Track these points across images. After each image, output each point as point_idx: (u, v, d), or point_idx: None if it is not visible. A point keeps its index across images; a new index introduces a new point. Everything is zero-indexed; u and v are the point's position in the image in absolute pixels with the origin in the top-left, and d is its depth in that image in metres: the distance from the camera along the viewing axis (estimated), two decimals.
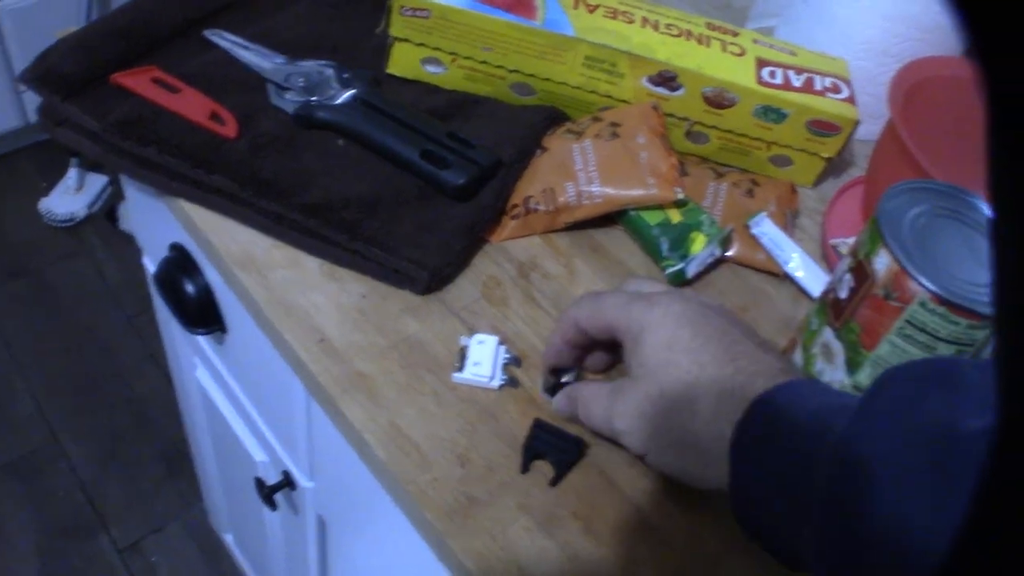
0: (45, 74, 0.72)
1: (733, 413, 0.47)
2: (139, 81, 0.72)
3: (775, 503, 0.45)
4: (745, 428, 0.47)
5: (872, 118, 0.83)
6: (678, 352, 0.50)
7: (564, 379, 0.59)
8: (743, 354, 0.50)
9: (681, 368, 0.50)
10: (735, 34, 0.78)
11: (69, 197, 2.21)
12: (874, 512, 0.38)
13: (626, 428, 0.53)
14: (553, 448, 0.56)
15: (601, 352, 0.60)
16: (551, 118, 0.75)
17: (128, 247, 2.16)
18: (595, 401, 0.55)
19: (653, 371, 0.51)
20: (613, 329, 0.54)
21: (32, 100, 2.15)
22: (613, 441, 0.56)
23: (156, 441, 1.83)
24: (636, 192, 0.69)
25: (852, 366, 0.57)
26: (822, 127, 0.74)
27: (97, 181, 2.25)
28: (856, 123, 0.74)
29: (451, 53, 0.74)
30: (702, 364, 0.50)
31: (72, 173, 2.20)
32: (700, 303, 0.53)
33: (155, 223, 0.90)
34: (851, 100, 0.75)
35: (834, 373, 0.58)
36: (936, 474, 0.36)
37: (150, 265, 1.01)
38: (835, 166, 0.81)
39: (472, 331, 0.63)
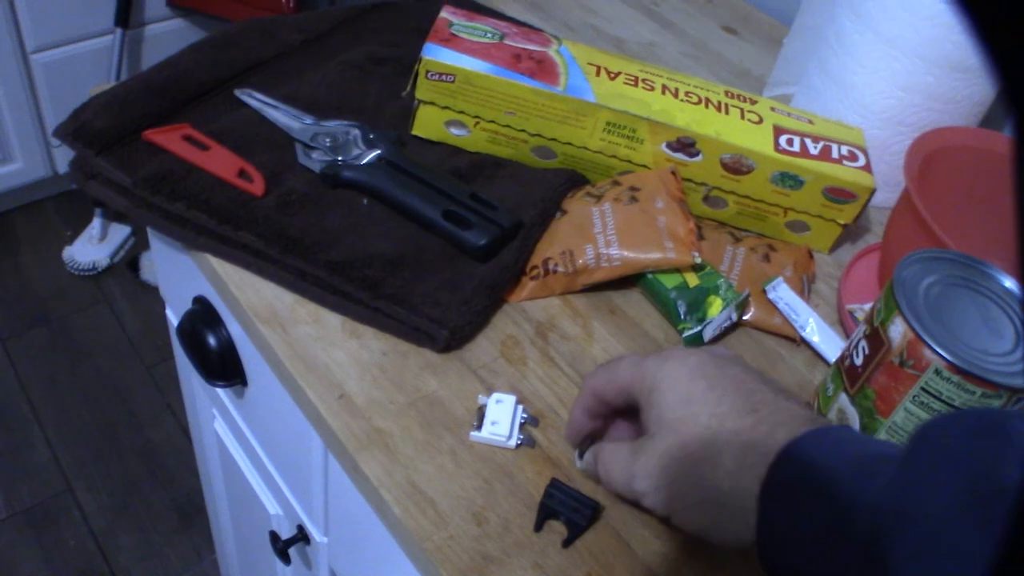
0: (79, 129, 0.74)
1: (758, 465, 0.45)
2: (170, 138, 0.74)
3: (807, 553, 0.43)
4: (775, 477, 0.45)
5: (888, 186, 0.84)
6: (696, 405, 0.49)
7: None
8: (763, 403, 0.48)
9: (700, 422, 0.48)
10: (753, 102, 0.79)
11: (92, 246, 2.24)
12: (916, 568, 0.36)
13: (647, 488, 0.50)
14: (567, 509, 0.57)
15: (624, 422, 0.59)
16: (571, 181, 0.77)
17: (148, 297, 2.18)
18: (615, 461, 0.53)
19: (672, 427, 0.49)
20: (628, 390, 0.53)
21: (61, 151, 2.20)
22: (636, 504, 0.55)
23: (170, 492, 1.84)
24: (654, 255, 0.70)
25: (867, 432, 0.58)
26: (839, 194, 0.75)
27: (120, 232, 2.28)
28: (872, 191, 0.75)
29: (475, 116, 0.76)
30: (721, 416, 0.48)
31: (96, 223, 2.24)
32: (712, 354, 0.52)
33: (180, 276, 0.91)
34: (867, 168, 0.76)
35: None
36: (981, 530, 0.35)
37: (173, 317, 1.02)
38: (852, 232, 0.82)
39: (490, 390, 0.64)
